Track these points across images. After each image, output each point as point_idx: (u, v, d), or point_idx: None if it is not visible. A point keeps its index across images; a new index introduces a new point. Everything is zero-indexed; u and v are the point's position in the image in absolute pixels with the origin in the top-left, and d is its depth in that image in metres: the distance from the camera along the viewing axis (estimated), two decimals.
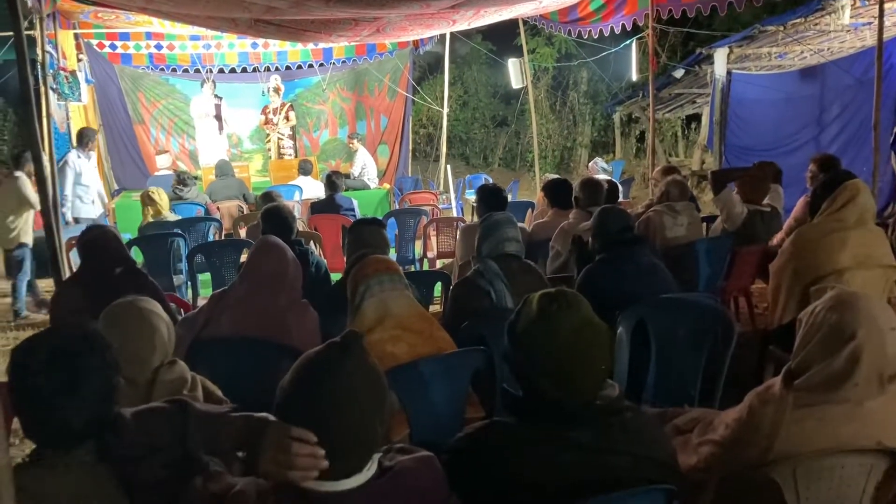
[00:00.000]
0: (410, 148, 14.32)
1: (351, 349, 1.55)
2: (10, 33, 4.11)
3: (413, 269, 7.10)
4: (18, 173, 6.89)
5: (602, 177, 7.01)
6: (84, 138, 8.24)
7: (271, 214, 4.39)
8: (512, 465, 1.72)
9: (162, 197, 6.78)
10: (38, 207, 7.25)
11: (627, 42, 10.52)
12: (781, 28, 9.59)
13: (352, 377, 1.51)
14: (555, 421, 1.73)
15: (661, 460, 1.78)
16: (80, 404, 1.58)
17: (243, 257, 5.05)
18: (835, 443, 1.91)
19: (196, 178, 9.52)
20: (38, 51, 7.40)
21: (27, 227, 6.99)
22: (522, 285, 3.39)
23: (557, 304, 1.74)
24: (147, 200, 6.76)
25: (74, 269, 5.39)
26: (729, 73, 11.18)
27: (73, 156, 8.03)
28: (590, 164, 9.56)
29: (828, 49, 10.48)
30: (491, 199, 4.94)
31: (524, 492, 1.69)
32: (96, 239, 3.78)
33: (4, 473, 1.21)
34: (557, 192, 5.39)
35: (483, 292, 3.25)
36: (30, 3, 6.71)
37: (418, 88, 14.54)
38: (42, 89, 7.23)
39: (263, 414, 1.62)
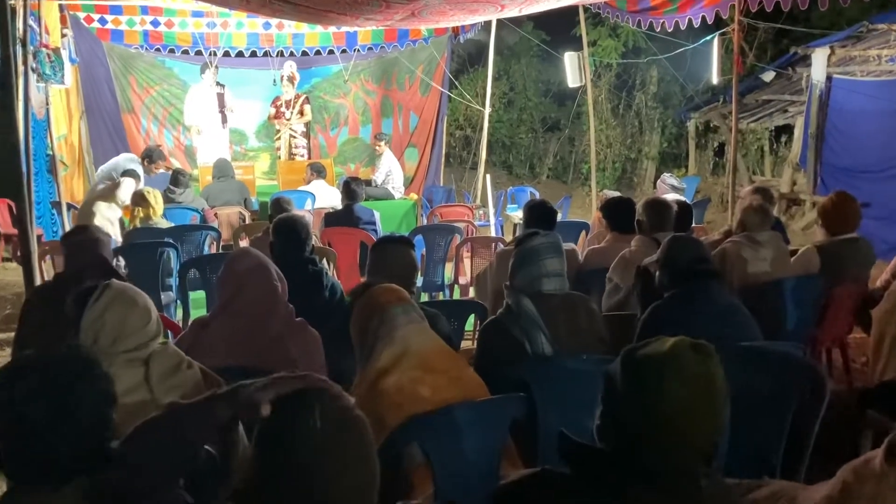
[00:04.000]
0: (444, 152, 14.43)
1: (313, 405, 1.61)
2: None
3: (442, 298, 7.13)
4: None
5: (671, 196, 6.99)
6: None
7: (284, 226, 4.45)
8: None
9: (157, 199, 6.91)
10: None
11: (708, 38, 10.50)
12: (895, 27, 9.54)
13: (317, 438, 1.58)
14: (620, 478, 1.75)
15: None
16: (71, 436, 1.64)
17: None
18: None
19: (191, 178, 9.69)
20: (19, 24, 7.58)
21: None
22: (567, 326, 3.38)
23: (696, 353, 1.76)
24: (139, 200, 6.89)
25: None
26: (829, 77, 11.14)
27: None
28: (657, 180, 9.56)
29: None
30: (539, 218, 4.96)
31: None
32: (81, 242, 3.90)
33: None
34: (617, 213, 5.40)
35: (516, 342, 3.25)
36: None
37: (456, 83, 14.65)
38: (20, 69, 7.42)
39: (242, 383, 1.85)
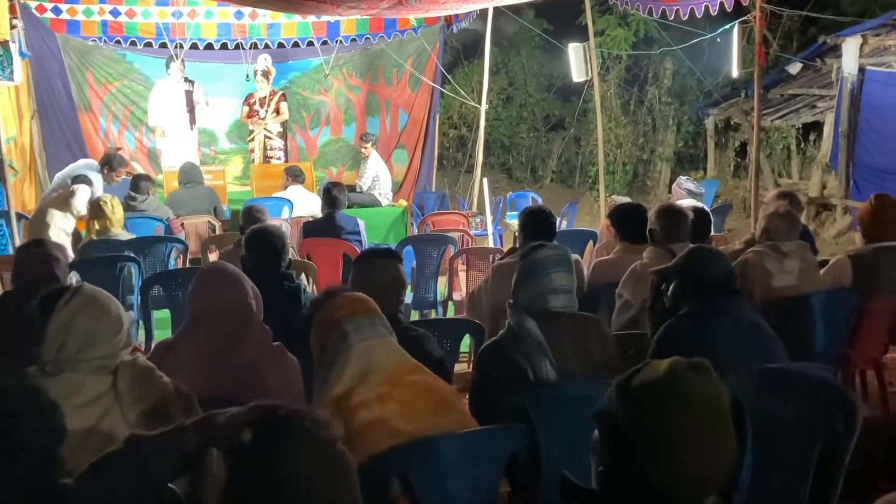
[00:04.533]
0: (436, 154, 14.45)
1: (286, 434, 1.64)
2: None
3: (434, 316, 7.13)
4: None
5: (688, 202, 7.01)
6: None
7: (257, 238, 4.45)
8: None
9: (115, 209, 6.89)
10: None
11: (727, 26, 10.53)
12: None
13: (299, 470, 1.61)
14: None
15: None
16: (14, 475, 1.64)
17: None
18: None
19: (156, 184, 9.67)
20: None
21: None
22: (575, 351, 3.37)
23: (696, 373, 1.77)
24: (95, 211, 6.87)
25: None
26: (861, 69, 11.19)
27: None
28: (672, 183, 9.59)
29: None
30: (534, 226, 4.97)
31: None
32: (35, 256, 3.96)
33: None
34: (628, 222, 5.41)
35: (517, 368, 3.24)
36: None
37: (449, 77, 14.66)
38: None
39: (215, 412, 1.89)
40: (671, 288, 3.74)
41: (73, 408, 2.42)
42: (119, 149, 11.54)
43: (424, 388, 2.78)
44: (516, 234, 5.79)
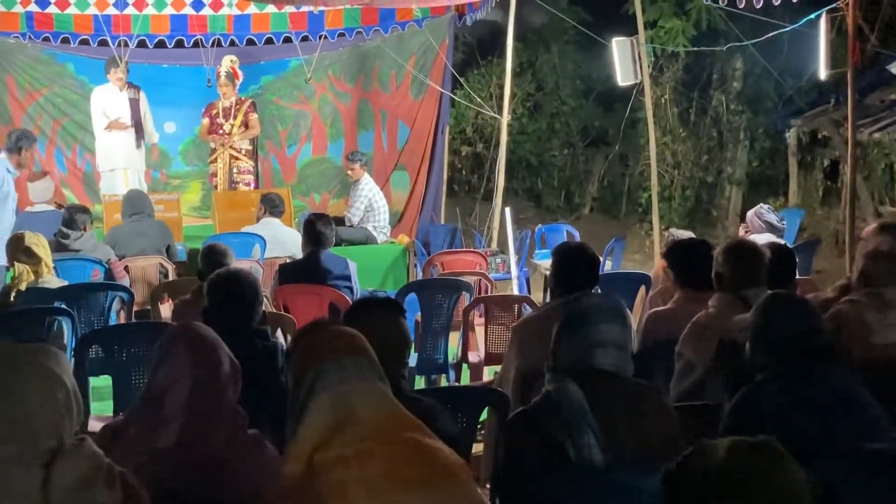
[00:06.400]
0: (445, 178, 14.49)
1: None
2: None
3: (445, 383, 7.11)
4: None
5: (765, 238, 7.01)
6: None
7: (222, 285, 4.45)
8: None
9: (46, 250, 6.90)
10: None
11: (812, 16, 10.60)
12: None
13: None
14: None
15: None
16: None
17: None
18: None
19: (93, 217, 9.69)
20: None
21: None
22: (629, 425, 3.34)
23: (760, 456, 1.78)
24: (22, 254, 6.86)
25: None
26: None
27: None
28: (746, 213, 9.58)
29: None
30: (571, 270, 4.96)
31: None
32: None
33: None
34: (689, 262, 5.40)
35: (553, 443, 3.23)
36: None
37: (462, 81, 14.71)
38: None
39: None
40: (748, 348, 3.73)
41: None
42: (47, 173, 11.56)
43: (419, 449, 2.75)
44: (547, 278, 5.78)
